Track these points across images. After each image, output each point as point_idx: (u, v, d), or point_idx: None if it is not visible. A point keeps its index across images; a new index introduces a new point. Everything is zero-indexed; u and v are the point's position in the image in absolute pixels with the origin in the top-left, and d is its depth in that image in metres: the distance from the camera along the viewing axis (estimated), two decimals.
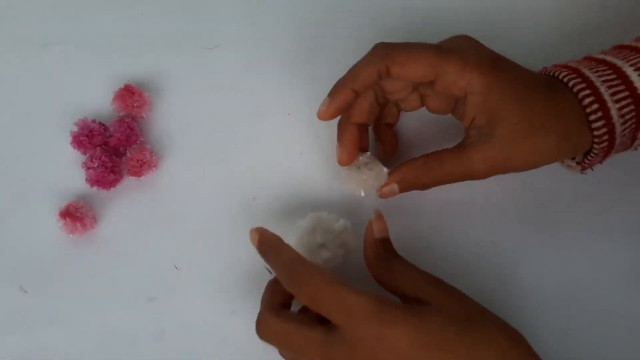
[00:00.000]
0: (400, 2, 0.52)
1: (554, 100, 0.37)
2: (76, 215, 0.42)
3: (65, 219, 0.42)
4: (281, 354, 0.37)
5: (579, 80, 0.37)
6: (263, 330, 0.35)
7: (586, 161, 0.39)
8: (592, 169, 0.42)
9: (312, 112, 0.47)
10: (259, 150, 0.46)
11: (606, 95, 0.36)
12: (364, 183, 0.42)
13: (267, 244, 0.37)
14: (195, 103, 0.48)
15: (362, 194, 0.42)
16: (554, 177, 0.45)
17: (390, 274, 0.37)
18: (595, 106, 0.37)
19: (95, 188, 0.44)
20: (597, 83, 0.37)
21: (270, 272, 0.42)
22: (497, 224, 0.44)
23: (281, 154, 0.46)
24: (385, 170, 0.41)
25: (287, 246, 0.36)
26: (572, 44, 0.49)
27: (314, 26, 0.51)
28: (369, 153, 0.42)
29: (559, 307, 0.42)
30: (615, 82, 0.37)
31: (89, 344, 0.41)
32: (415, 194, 0.44)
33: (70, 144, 0.45)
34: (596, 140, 0.37)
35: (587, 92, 0.37)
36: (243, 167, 0.46)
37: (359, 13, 0.51)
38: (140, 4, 0.51)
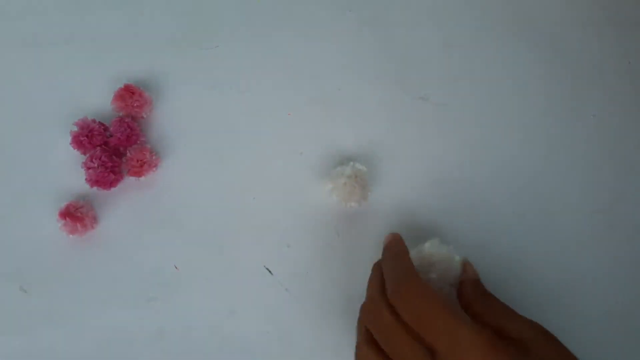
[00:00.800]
0: (401, 2, 0.52)
1: None
2: (76, 215, 0.42)
3: (65, 219, 0.42)
4: (369, 340, 0.36)
5: None
6: (370, 315, 0.35)
7: None
8: None
9: (312, 111, 0.48)
10: (259, 150, 0.46)
11: None
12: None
13: (394, 248, 0.38)
14: (195, 102, 0.48)
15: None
16: (554, 177, 0.45)
17: (489, 312, 0.36)
18: None
19: (95, 188, 0.44)
20: None
21: (270, 271, 0.42)
22: (497, 224, 0.44)
23: (281, 153, 0.46)
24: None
25: (409, 259, 0.37)
26: None
27: (314, 26, 0.51)
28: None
29: (559, 307, 0.42)
30: None
31: (88, 344, 0.41)
32: (414, 195, 0.44)
33: (70, 144, 0.45)
34: None
35: None
36: (243, 167, 0.46)
37: (359, 13, 0.51)
38: (140, 4, 0.51)
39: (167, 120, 0.47)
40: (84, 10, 0.51)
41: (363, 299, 0.38)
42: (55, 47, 0.50)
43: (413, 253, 0.39)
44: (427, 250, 0.39)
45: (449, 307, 0.32)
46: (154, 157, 0.45)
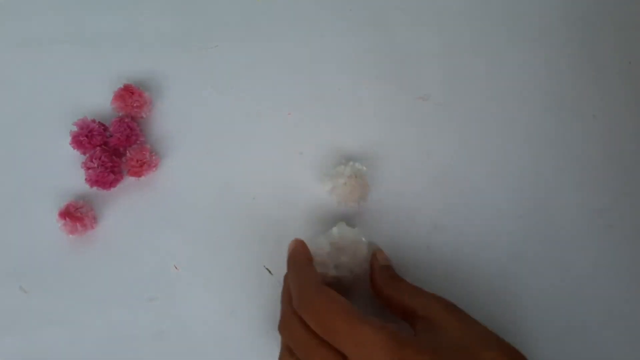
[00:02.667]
0: (401, 2, 0.52)
1: None
2: (76, 215, 0.42)
3: (65, 219, 0.42)
4: (289, 351, 0.36)
5: None
6: (286, 330, 0.36)
7: None
8: None
9: (312, 111, 0.48)
10: (259, 149, 0.46)
11: None
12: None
13: (295, 258, 0.38)
14: (195, 102, 0.48)
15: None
16: (554, 177, 0.45)
17: (398, 293, 0.37)
18: None
19: (95, 188, 0.44)
20: None
21: (269, 272, 0.42)
22: (497, 225, 0.44)
23: (281, 153, 0.46)
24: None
25: (311, 268, 0.37)
26: None
27: (314, 26, 0.51)
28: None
29: (559, 308, 0.42)
30: None
31: (88, 344, 0.41)
32: (413, 195, 0.44)
33: (70, 144, 0.45)
34: None
35: None
36: (243, 167, 0.46)
37: (359, 13, 0.51)
38: (140, 4, 0.51)
39: (166, 120, 0.47)
40: (84, 10, 0.51)
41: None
42: (55, 47, 0.50)
43: (322, 239, 0.40)
44: (335, 235, 0.41)
45: (350, 310, 0.32)
46: (153, 157, 0.45)
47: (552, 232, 0.44)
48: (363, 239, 0.41)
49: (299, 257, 0.38)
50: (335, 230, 0.41)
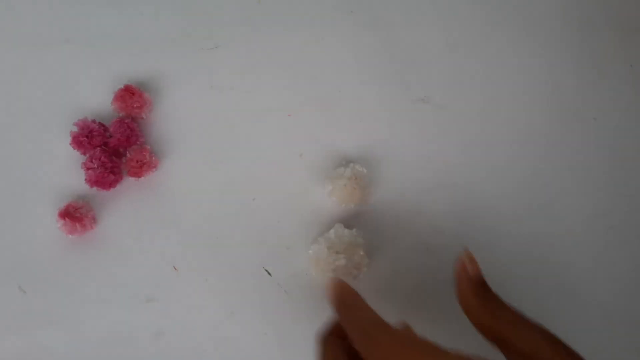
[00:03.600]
0: (402, 4, 0.52)
1: None
2: (75, 215, 0.42)
3: (64, 219, 0.42)
4: None
5: None
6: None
7: None
8: None
9: (312, 112, 0.47)
10: (259, 151, 0.46)
11: None
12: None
13: (344, 300, 0.34)
14: (195, 103, 0.48)
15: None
16: (555, 180, 0.45)
17: (498, 323, 0.32)
18: None
19: (94, 188, 0.44)
20: None
21: (269, 273, 0.43)
22: (497, 227, 0.44)
23: (281, 154, 0.46)
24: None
25: (366, 305, 0.33)
26: None
27: (315, 27, 0.51)
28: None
29: (559, 309, 0.42)
30: None
31: (88, 344, 0.41)
32: (414, 197, 0.44)
33: (70, 144, 0.45)
34: None
35: None
36: (243, 168, 0.46)
37: (361, 14, 0.51)
38: (140, 3, 0.51)
39: (166, 121, 0.47)
40: (84, 10, 0.51)
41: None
42: (55, 47, 0.50)
43: (321, 242, 0.41)
44: (332, 238, 0.40)
45: (432, 351, 0.28)
46: (153, 158, 0.45)
47: (552, 233, 0.44)
48: (361, 240, 0.41)
49: (350, 296, 0.34)
50: (332, 232, 0.41)
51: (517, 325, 0.31)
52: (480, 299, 0.33)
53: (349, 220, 0.44)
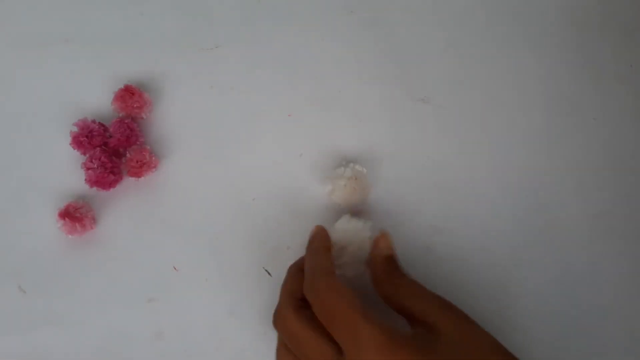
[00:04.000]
0: (402, 4, 0.52)
1: None
2: (75, 215, 0.42)
3: (64, 219, 0.42)
4: (285, 344, 0.36)
5: None
6: (280, 322, 0.35)
7: None
8: None
9: (312, 112, 0.47)
10: (259, 151, 0.46)
11: None
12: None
13: (314, 243, 0.38)
14: (195, 103, 0.48)
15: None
16: (554, 180, 0.45)
17: (398, 293, 0.35)
18: None
19: (94, 188, 0.44)
20: None
21: (269, 273, 0.43)
22: (497, 226, 0.44)
23: (281, 154, 0.46)
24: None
25: (327, 255, 0.37)
26: None
27: (315, 27, 0.51)
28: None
29: (559, 309, 0.42)
30: None
31: (88, 344, 0.41)
32: (413, 197, 0.44)
33: (70, 144, 0.45)
34: None
35: None
36: (243, 168, 0.46)
37: (361, 14, 0.51)
38: (141, 4, 0.51)
39: (166, 121, 0.47)
40: (84, 10, 0.51)
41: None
42: (55, 47, 0.50)
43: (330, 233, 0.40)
44: (338, 232, 0.39)
45: (353, 303, 0.32)
46: (153, 158, 0.45)
47: (552, 234, 0.44)
48: (368, 233, 0.40)
49: (317, 243, 0.38)
50: (338, 225, 0.40)
51: (415, 296, 0.34)
52: (386, 274, 0.36)
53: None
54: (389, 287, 0.36)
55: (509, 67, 0.49)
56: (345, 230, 0.40)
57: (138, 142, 0.46)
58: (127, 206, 0.44)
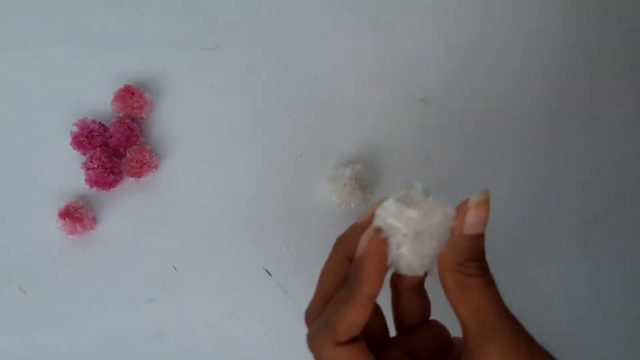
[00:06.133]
0: (402, 4, 0.52)
1: None
2: (75, 215, 0.42)
3: (64, 219, 0.42)
4: None
5: None
6: (319, 350, 0.27)
7: None
8: None
9: (312, 112, 0.47)
10: (259, 151, 0.46)
11: None
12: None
13: (344, 239, 0.28)
14: (195, 103, 0.48)
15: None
16: (554, 180, 0.45)
17: (464, 298, 0.26)
18: None
19: (95, 188, 0.44)
20: None
21: (269, 273, 0.43)
22: (497, 226, 0.44)
23: (281, 154, 0.46)
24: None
25: (361, 306, 0.25)
26: None
27: (315, 27, 0.51)
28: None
29: (559, 310, 0.42)
30: None
31: (88, 344, 0.41)
32: None
33: (70, 144, 0.45)
34: None
35: None
36: (243, 168, 0.46)
37: (361, 14, 0.51)
38: (141, 4, 0.51)
39: (167, 121, 0.47)
40: (84, 11, 0.51)
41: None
42: (55, 47, 0.50)
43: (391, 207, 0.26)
44: (414, 214, 0.25)
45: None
46: (153, 158, 0.45)
47: (552, 234, 0.44)
48: (451, 212, 0.27)
49: (346, 242, 0.27)
50: (412, 192, 0.26)
51: (486, 308, 0.26)
52: (459, 259, 0.26)
53: (349, 220, 0.44)
54: (458, 287, 0.26)
55: (509, 67, 0.49)
56: (426, 210, 0.26)
57: (138, 142, 0.46)
58: (127, 206, 0.44)
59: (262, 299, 0.42)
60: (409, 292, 0.29)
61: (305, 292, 0.42)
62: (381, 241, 0.25)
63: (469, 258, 0.26)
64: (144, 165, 0.44)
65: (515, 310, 0.41)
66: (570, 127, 0.47)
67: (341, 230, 0.42)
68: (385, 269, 0.26)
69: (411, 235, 0.25)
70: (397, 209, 0.25)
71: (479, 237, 0.26)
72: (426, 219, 0.26)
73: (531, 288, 0.42)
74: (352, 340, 0.26)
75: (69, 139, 0.45)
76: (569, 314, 0.41)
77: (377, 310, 0.30)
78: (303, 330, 0.41)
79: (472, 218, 0.26)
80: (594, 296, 0.42)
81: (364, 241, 0.26)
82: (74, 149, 0.45)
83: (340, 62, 0.49)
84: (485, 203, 0.26)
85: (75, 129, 0.45)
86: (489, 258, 0.43)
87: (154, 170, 0.45)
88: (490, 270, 0.27)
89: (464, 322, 0.26)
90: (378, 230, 0.26)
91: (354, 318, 0.25)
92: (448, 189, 0.45)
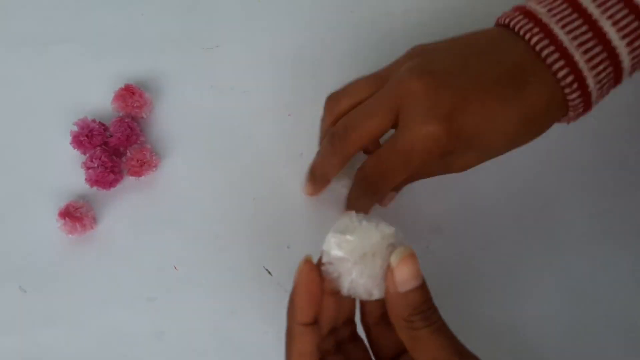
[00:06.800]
0: (402, 3, 0.52)
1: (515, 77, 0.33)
2: (75, 215, 0.42)
3: (64, 218, 0.42)
4: None
5: (552, 47, 0.33)
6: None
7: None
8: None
9: (312, 112, 0.47)
10: (259, 150, 0.46)
11: (582, 65, 0.33)
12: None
13: (293, 307, 0.29)
14: (195, 103, 0.48)
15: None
16: (553, 179, 0.45)
17: (417, 351, 0.27)
18: (570, 79, 0.33)
19: (95, 188, 0.44)
20: (572, 50, 0.32)
21: (269, 272, 0.43)
22: (497, 226, 0.44)
23: (281, 154, 0.46)
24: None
25: (307, 336, 0.28)
26: None
27: (315, 27, 0.51)
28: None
29: (559, 310, 0.42)
30: (590, 45, 0.32)
31: (88, 344, 0.41)
32: (412, 197, 0.44)
33: (70, 143, 0.45)
34: (570, 109, 0.35)
35: (561, 63, 0.33)
36: (243, 167, 0.46)
37: (360, 14, 0.51)
38: (141, 3, 0.51)
39: (167, 120, 0.47)
40: (84, 10, 0.51)
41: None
42: (55, 47, 0.50)
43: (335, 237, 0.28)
44: (341, 238, 0.28)
45: None
46: (153, 157, 0.45)
47: (552, 233, 0.44)
48: (389, 240, 0.28)
49: (294, 310, 0.29)
50: (341, 226, 0.29)
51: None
52: (405, 320, 0.27)
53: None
54: (406, 337, 0.28)
55: None
56: (351, 237, 0.28)
57: (138, 142, 0.46)
58: (127, 206, 0.44)
59: (262, 298, 0.42)
60: (376, 326, 0.31)
61: None
62: (307, 269, 0.28)
63: (412, 313, 0.27)
64: (144, 164, 0.44)
65: (514, 309, 0.41)
66: (569, 126, 0.47)
67: None
68: (315, 295, 0.28)
69: (356, 259, 0.27)
70: (336, 239, 0.28)
71: (416, 291, 0.27)
72: (364, 241, 0.27)
73: (531, 288, 0.42)
74: None
75: (69, 138, 0.45)
76: (569, 314, 0.41)
77: (356, 341, 0.32)
78: None
79: (400, 276, 0.27)
80: (593, 296, 0.42)
81: (295, 277, 0.29)
82: (74, 149, 0.45)
83: (340, 61, 0.49)
84: (408, 258, 0.27)
85: (76, 128, 0.45)
86: (490, 256, 0.44)
87: (154, 169, 0.45)
88: (439, 314, 0.28)
89: None
90: (306, 261, 0.29)
91: (300, 349, 0.28)
92: (448, 189, 0.45)
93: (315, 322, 0.28)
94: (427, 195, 0.45)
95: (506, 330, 0.40)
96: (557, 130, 0.47)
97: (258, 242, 0.43)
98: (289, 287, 0.42)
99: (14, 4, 0.51)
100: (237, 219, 0.44)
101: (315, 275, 0.28)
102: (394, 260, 0.27)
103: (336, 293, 0.29)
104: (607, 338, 0.41)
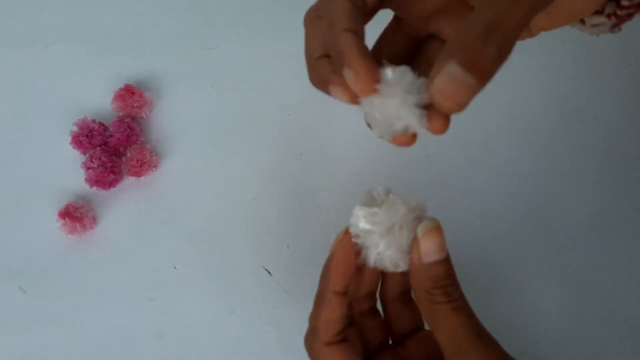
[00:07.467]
0: None
1: None
2: (75, 215, 0.42)
3: (64, 219, 0.42)
4: None
5: None
6: (310, 351, 0.30)
7: (618, 12, 0.29)
8: (621, 29, 0.32)
9: (312, 112, 0.47)
10: (259, 150, 0.46)
11: None
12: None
13: (325, 279, 0.30)
14: (195, 103, 0.48)
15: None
16: (553, 180, 0.45)
17: (436, 326, 0.27)
18: None
19: (95, 188, 0.44)
20: None
21: (269, 272, 0.43)
22: (497, 226, 0.44)
23: (281, 154, 0.46)
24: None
25: (334, 305, 0.29)
26: None
27: None
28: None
29: (559, 310, 0.41)
30: None
31: (88, 344, 0.41)
32: (412, 197, 0.44)
33: (70, 144, 0.45)
34: None
35: None
36: (243, 167, 0.46)
37: None
38: (141, 4, 0.51)
39: (167, 120, 0.47)
40: (84, 10, 0.51)
41: None
42: (54, 46, 0.50)
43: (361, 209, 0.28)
44: (367, 214, 0.28)
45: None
46: (153, 157, 0.45)
47: (552, 233, 0.43)
48: (415, 213, 0.29)
49: (327, 281, 0.29)
50: (367, 203, 0.28)
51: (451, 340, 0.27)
52: (428, 293, 0.27)
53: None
54: (427, 311, 0.28)
55: (508, 66, 0.49)
56: (379, 209, 0.28)
57: (138, 142, 0.46)
58: (127, 206, 0.44)
59: (262, 298, 0.42)
60: (394, 302, 0.31)
61: (306, 292, 0.42)
62: (346, 240, 0.28)
63: (433, 286, 0.27)
64: (144, 164, 0.44)
65: (514, 308, 0.41)
66: (569, 126, 0.47)
67: (340, 229, 0.42)
68: (350, 265, 0.28)
69: (382, 232, 0.28)
70: (364, 212, 0.28)
71: (439, 264, 0.27)
72: (391, 213, 0.28)
73: (531, 288, 0.42)
74: (341, 341, 0.29)
75: (69, 139, 0.45)
76: (569, 314, 0.41)
77: (374, 315, 0.32)
78: (303, 329, 0.41)
79: (425, 246, 0.27)
80: (593, 295, 0.42)
81: (332, 246, 0.29)
82: (74, 149, 0.45)
83: None
84: (434, 231, 0.28)
85: (75, 128, 0.45)
86: (489, 256, 0.43)
87: (154, 169, 0.45)
88: (461, 292, 0.28)
89: (442, 347, 0.27)
90: (346, 232, 0.29)
91: (328, 315, 0.28)
92: (446, 188, 0.45)
93: (346, 292, 0.29)
94: (426, 196, 0.45)
95: (506, 329, 0.40)
96: (557, 130, 0.47)
97: (258, 242, 0.43)
98: (289, 287, 0.42)
99: (14, 4, 0.51)
100: (237, 219, 0.44)
101: (353, 246, 0.28)
102: (420, 231, 0.28)
103: (361, 266, 0.29)
104: (607, 338, 0.41)
